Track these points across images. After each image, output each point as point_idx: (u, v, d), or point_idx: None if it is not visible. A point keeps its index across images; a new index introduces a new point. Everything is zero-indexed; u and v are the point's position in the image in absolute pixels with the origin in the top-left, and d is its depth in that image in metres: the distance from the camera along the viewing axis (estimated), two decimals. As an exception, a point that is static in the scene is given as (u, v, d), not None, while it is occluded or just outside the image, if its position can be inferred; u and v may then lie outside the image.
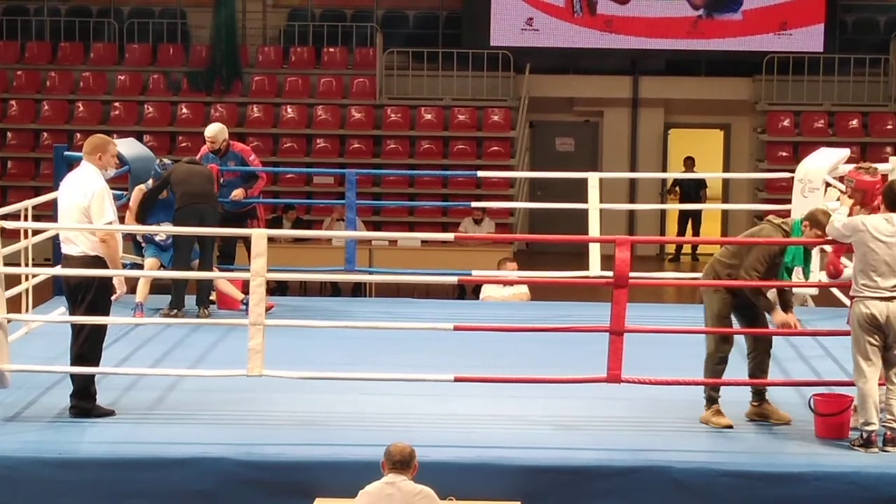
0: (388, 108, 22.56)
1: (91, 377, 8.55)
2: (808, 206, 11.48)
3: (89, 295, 8.45)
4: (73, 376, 8.54)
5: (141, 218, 11.44)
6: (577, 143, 23.50)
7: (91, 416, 8.45)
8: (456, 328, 8.84)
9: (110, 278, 8.56)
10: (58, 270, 10.38)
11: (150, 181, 11.64)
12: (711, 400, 8.53)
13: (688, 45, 22.52)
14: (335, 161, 21.87)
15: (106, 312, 8.61)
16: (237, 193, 12.14)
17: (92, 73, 22.93)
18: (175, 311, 11.36)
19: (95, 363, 8.55)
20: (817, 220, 8.48)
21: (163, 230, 10.90)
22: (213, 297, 12.08)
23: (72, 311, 8.60)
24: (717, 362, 8.53)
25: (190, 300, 11.58)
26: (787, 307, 8.68)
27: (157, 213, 11.51)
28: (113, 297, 8.61)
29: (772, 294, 8.92)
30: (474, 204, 18.91)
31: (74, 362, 8.52)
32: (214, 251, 11.70)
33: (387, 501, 7.00)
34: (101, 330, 8.59)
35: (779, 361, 9.92)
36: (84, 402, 8.50)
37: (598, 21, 22.42)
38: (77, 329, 8.55)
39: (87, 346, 8.51)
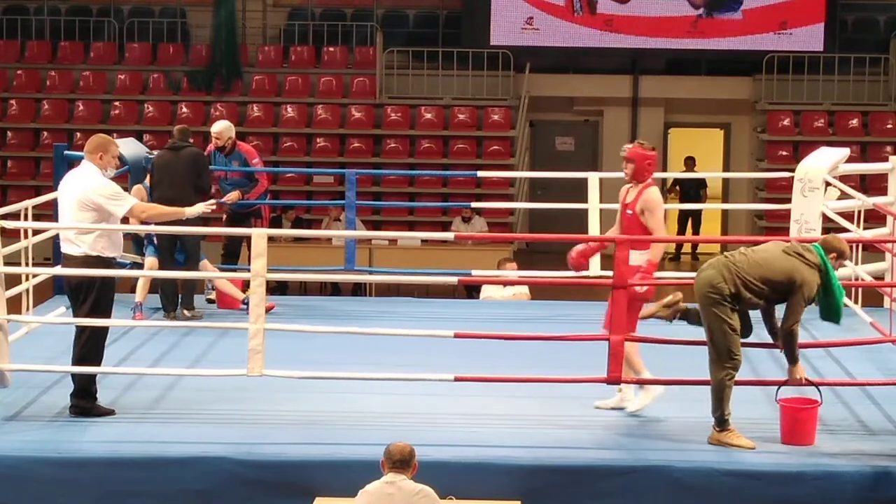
0: (388, 107, 22.56)
1: (92, 377, 8.56)
2: (809, 206, 11.52)
3: (91, 295, 8.45)
4: (74, 375, 8.55)
5: None
6: (577, 142, 23.50)
7: (91, 416, 8.46)
8: (456, 335, 8.82)
9: (112, 278, 8.57)
10: (58, 270, 10.37)
11: (147, 178, 11.62)
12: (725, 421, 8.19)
13: (688, 45, 22.52)
14: (335, 160, 21.87)
15: (108, 312, 8.61)
16: (231, 196, 12.07)
17: (92, 73, 22.94)
18: (165, 314, 11.30)
19: (97, 363, 8.56)
20: (841, 250, 8.14)
21: (150, 230, 10.86)
22: (212, 296, 12.07)
23: (74, 311, 8.60)
24: (729, 383, 8.16)
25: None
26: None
27: None
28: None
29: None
30: (474, 204, 18.95)
31: (76, 362, 8.52)
32: (199, 254, 11.39)
33: (387, 501, 7.00)
34: (102, 330, 8.60)
35: (779, 361, 9.91)
36: (84, 401, 8.51)
37: (599, 20, 22.42)
38: (79, 329, 8.55)
39: (89, 346, 8.51)
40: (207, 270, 11.60)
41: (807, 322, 11.48)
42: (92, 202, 8.42)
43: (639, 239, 8.64)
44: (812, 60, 22.28)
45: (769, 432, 8.35)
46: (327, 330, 9.45)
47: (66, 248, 8.61)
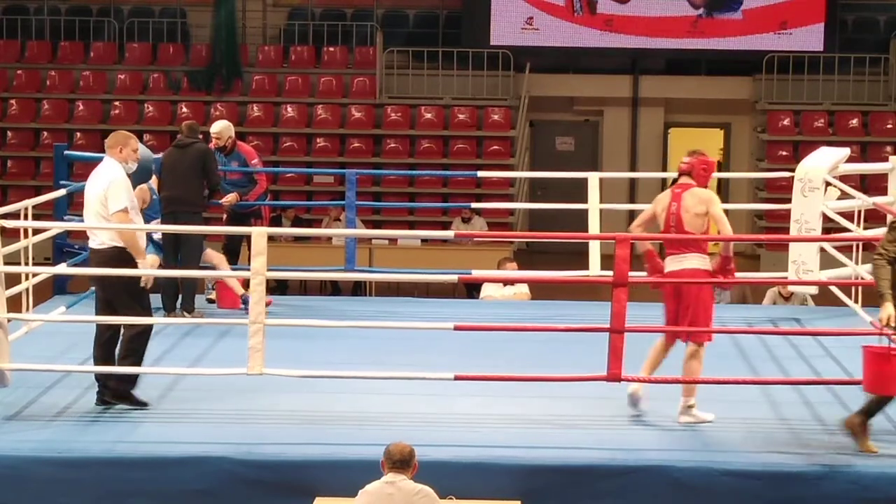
0: (388, 107, 22.56)
1: (139, 360, 8.60)
2: (809, 206, 11.53)
3: (122, 286, 8.49)
4: (122, 364, 8.59)
5: None
6: (577, 142, 23.50)
7: (127, 402, 8.53)
8: (456, 328, 8.84)
9: (135, 265, 8.59)
10: (58, 270, 10.39)
11: (154, 179, 11.58)
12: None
13: (688, 45, 22.53)
14: (335, 160, 21.88)
15: (144, 297, 8.65)
16: (229, 198, 12.04)
17: (92, 73, 22.94)
18: (165, 314, 11.30)
19: (142, 358, 8.62)
20: None
21: (156, 228, 10.86)
22: (213, 296, 12.06)
23: (103, 304, 8.62)
24: None
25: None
26: None
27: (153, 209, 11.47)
28: (142, 284, 8.59)
29: None
30: (474, 205, 18.94)
31: (123, 357, 8.56)
32: (199, 257, 11.33)
33: (387, 501, 7.00)
34: (148, 325, 8.65)
35: (779, 361, 9.93)
36: (127, 385, 8.59)
37: (599, 20, 22.42)
38: (125, 325, 8.60)
39: (140, 340, 8.59)
40: (212, 261, 11.55)
41: (805, 320, 11.55)
42: (103, 193, 8.52)
43: (638, 238, 8.64)
44: (812, 60, 22.29)
45: (769, 432, 8.36)
46: (328, 324, 9.46)
47: (90, 243, 8.72)
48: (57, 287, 12.00)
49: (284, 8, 23.79)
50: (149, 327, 8.70)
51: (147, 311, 8.72)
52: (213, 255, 11.61)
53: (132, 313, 8.53)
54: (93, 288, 11.35)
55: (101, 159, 8.83)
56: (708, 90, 22.82)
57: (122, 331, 8.65)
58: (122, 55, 23.26)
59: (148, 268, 8.73)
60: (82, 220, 8.89)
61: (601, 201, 12.74)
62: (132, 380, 8.66)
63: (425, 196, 21.62)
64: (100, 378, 8.63)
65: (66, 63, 23.12)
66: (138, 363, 8.62)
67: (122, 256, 8.52)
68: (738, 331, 10.26)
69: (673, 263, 8.51)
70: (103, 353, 8.64)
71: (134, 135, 8.99)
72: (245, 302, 11.57)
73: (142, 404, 8.62)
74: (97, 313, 8.72)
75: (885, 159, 12.97)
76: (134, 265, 8.54)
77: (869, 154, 21.67)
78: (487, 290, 13.36)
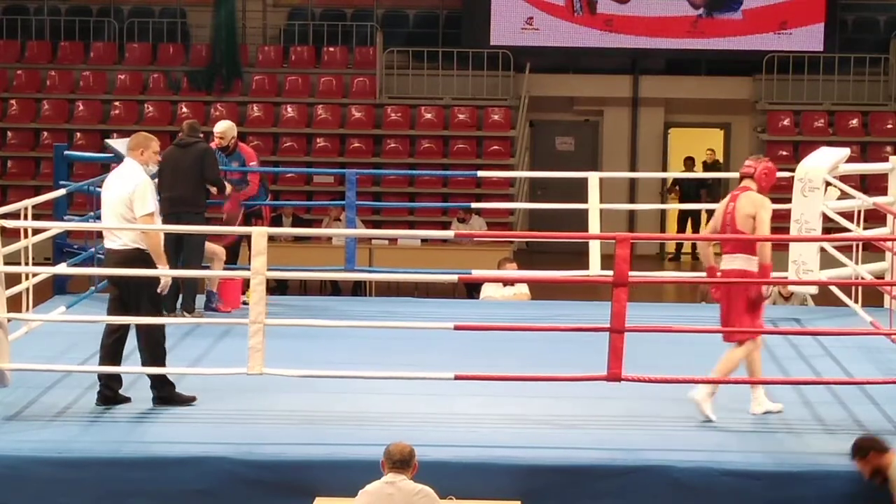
0: (388, 107, 22.57)
1: (163, 365, 8.67)
2: (809, 206, 11.53)
3: (141, 289, 8.51)
4: (150, 369, 8.65)
5: None
6: (577, 142, 23.51)
7: (175, 403, 8.61)
8: (456, 327, 8.84)
9: (155, 265, 8.59)
10: (58, 269, 10.39)
11: (157, 179, 11.55)
12: None
13: (688, 45, 22.54)
14: (335, 160, 21.89)
15: (160, 300, 8.73)
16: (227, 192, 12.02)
17: (92, 73, 22.94)
18: (166, 314, 11.26)
19: (164, 355, 8.67)
20: None
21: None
22: (216, 306, 12.04)
23: (116, 304, 8.63)
24: None
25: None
26: None
27: None
28: (159, 290, 8.64)
29: None
30: (474, 205, 18.94)
31: (152, 363, 8.62)
32: (201, 257, 11.26)
33: (387, 501, 7.00)
34: (159, 326, 8.67)
35: (778, 361, 9.93)
36: (167, 388, 8.65)
37: (598, 20, 22.43)
38: (139, 331, 8.63)
39: (157, 342, 8.62)
40: (211, 250, 11.52)
41: (805, 320, 11.55)
42: (129, 196, 8.55)
43: (639, 237, 8.64)
44: (812, 60, 22.29)
45: (769, 432, 8.36)
46: (328, 324, 9.46)
47: (107, 243, 8.74)
48: (57, 287, 12.00)
49: (284, 8, 23.79)
50: (163, 332, 8.71)
51: (160, 313, 8.75)
52: (211, 246, 11.56)
53: (149, 315, 8.55)
54: (93, 288, 11.43)
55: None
56: (708, 90, 22.82)
57: (129, 331, 8.66)
58: (122, 55, 23.26)
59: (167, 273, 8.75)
60: (82, 221, 8.89)
61: (601, 201, 12.74)
62: (171, 382, 8.73)
63: (425, 196, 21.63)
64: (101, 378, 8.64)
65: (66, 63, 23.12)
66: (164, 365, 8.69)
67: (142, 258, 8.54)
68: (738, 331, 10.25)
69: (724, 263, 8.66)
70: (109, 352, 8.64)
71: (154, 137, 8.99)
72: (210, 300, 11.58)
73: (189, 400, 8.70)
74: (109, 313, 8.72)
75: (885, 159, 12.96)
76: (152, 267, 8.56)
77: (869, 154, 21.68)
78: (487, 291, 13.35)
